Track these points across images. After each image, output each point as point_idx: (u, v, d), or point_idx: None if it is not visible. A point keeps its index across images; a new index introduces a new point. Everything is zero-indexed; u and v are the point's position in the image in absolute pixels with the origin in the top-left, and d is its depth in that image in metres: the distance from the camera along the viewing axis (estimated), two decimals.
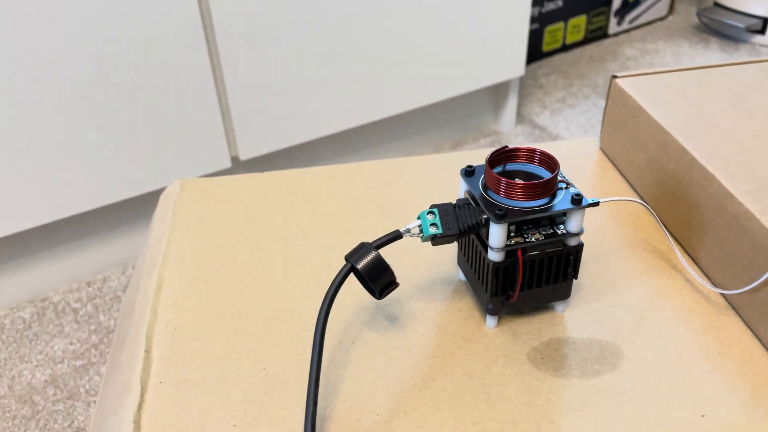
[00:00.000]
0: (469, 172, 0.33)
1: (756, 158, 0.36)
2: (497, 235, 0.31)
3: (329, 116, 0.93)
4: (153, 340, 0.35)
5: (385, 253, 0.39)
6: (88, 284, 0.83)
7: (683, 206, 0.38)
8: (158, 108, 0.80)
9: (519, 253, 0.32)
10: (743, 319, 0.34)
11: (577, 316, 0.35)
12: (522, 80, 1.26)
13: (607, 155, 0.48)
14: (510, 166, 0.33)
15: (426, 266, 0.39)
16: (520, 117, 1.17)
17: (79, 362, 0.70)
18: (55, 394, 0.67)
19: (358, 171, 0.47)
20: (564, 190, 0.32)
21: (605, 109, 0.47)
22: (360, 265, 0.30)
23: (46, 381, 0.68)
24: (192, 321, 0.35)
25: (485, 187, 0.32)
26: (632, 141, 0.43)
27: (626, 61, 1.34)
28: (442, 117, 1.11)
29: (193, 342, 0.34)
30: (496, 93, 1.14)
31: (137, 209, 0.89)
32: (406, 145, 1.09)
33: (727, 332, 0.34)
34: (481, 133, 1.14)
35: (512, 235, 0.32)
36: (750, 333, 0.34)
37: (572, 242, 0.32)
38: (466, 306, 0.36)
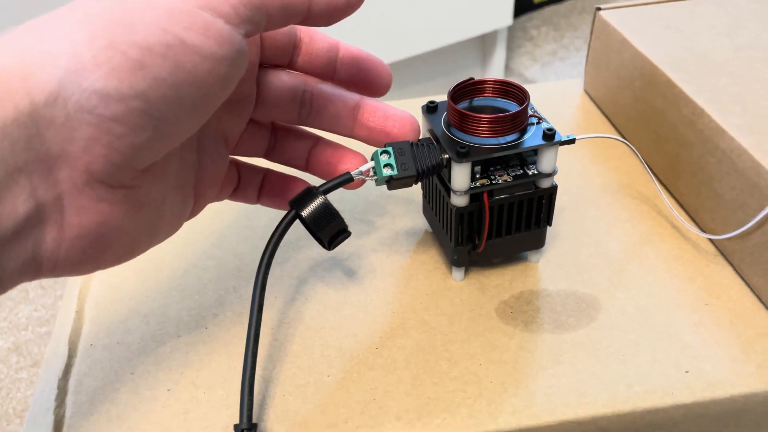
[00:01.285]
0: (431, 108, 0.30)
1: (749, 91, 0.33)
2: (459, 176, 0.28)
3: None
4: (86, 299, 0.31)
5: (346, 202, 0.36)
6: None
7: (671, 146, 0.35)
8: None
9: (485, 196, 0.28)
10: (734, 267, 0.31)
11: (552, 267, 0.32)
12: (511, 32, 1.21)
13: (591, 97, 0.44)
14: (477, 101, 0.30)
15: (390, 216, 0.35)
16: (509, 70, 1.12)
17: (43, 329, 0.68)
18: (18, 362, 0.64)
19: None
20: (535, 126, 0.28)
21: (589, 46, 0.43)
22: (305, 213, 0.26)
23: (9, 348, 0.66)
24: (129, 279, 0.32)
25: (448, 125, 0.29)
26: (617, 79, 0.40)
27: None
28: (428, 70, 1.06)
29: (129, 301, 0.31)
30: (483, 45, 1.10)
31: None
32: (389, 99, 1.05)
33: (715, 281, 0.31)
34: None
35: (477, 176, 0.28)
36: (741, 281, 0.31)
37: (544, 184, 0.29)
38: (432, 258, 0.33)
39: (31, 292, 0.73)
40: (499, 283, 0.31)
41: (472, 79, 0.29)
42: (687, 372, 0.27)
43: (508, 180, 0.28)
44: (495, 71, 1.10)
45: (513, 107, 0.29)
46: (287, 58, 0.27)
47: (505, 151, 0.27)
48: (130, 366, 0.28)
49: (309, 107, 0.28)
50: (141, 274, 0.33)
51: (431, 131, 0.29)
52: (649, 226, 0.34)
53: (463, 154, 0.27)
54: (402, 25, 0.92)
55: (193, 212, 0.27)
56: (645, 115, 0.37)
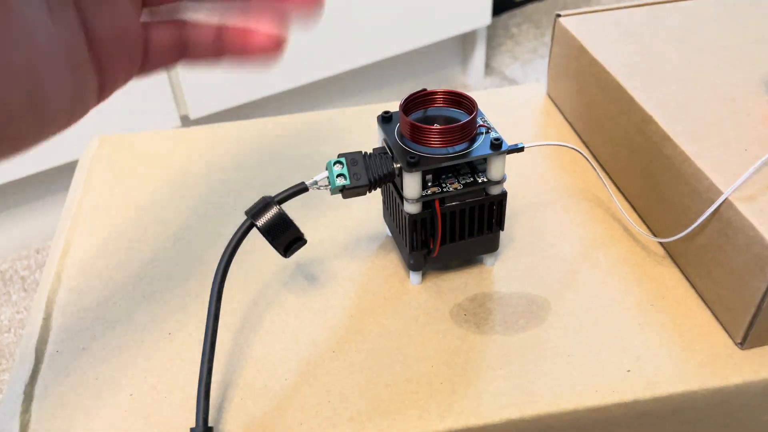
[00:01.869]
0: (386, 119, 0.31)
1: (696, 97, 0.34)
2: (411, 184, 0.29)
3: (284, 71, 0.89)
4: (54, 306, 0.32)
5: (308, 209, 0.37)
6: (37, 251, 0.80)
7: (623, 151, 0.36)
8: None
9: (436, 204, 0.29)
10: (680, 269, 0.32)
11: (506, 270, 0.33)
12: (492, 31, 1.22)
13: (553, 101, 0.45)
14: (431, 111, 0.31)
15: (352, 222, 0.36)
16: (490, 68, 1.13)
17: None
18: (0, 364, 0.65)
19: (291, 123, 0.44)
20: (484, 135, 0.29)
21: (550, 51, 0.44)
22: (259, 222, 0.27)
23: None
24: (97, 286, 0.33)
25: (401, 135, 0.30)
26: (576, 84, 0.41)
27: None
28: (408, 69, 1.07)
29: (96, 308, 0.32)
30: (464, 43, 1.11)
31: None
32: (370, 100, 1.05)
33: (662, 283, 0.32)
34: (449, 86, 1.10)
35: (429, 185, 0.29)
36: (687, 283, 0.32)
37: (495, 191, 0.30)
38: (391, 263, 0.34)
39: (13, 294, 0.74)
40: (455, 286, 0.32)
41: (424, 90, 0.30)
42: (629, 371, 0.28)
43: (459, 188, 0.29)
44: (475, 70, 1.11)
45: (464, 117, 0.30)
46: None
47: (453, 161, 0.28)
48: (95, 372, 0.29)
49: None
50: (108, 281, 0.33)
51: (385, 141, 0.30)
52: (602, 230, 0.35)
53: (413, 163, 0.28)
54: (381, 25, 0.93)
55: (102, 92, 0.23)
56: (600, 120, 0.38)
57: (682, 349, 0.29)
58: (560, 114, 0.44)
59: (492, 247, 0.32)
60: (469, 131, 0.29)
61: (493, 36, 1.21)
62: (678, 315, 0.30)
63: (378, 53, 0.95)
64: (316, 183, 0.28)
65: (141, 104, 0.80)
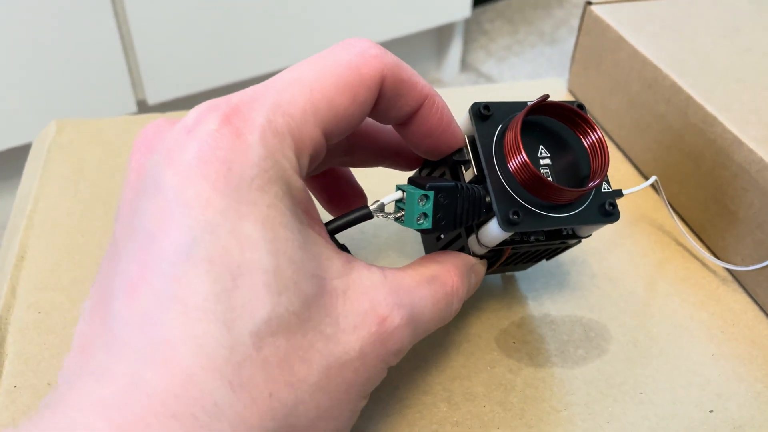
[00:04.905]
0: (484, 116, 0.22)
1: (762, 99, 0.31)
2: (495, 238, 0.22)
3: (248, 58, 0.83)
4: (8, 329, 0.26)
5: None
6: None
7: (673, 156, 0.32)
8: (48, 42, 0.68)
9: (507, 250, 0.24)
10: (746, 291, 0.29)
11: (552, 289, 0.29)
12: (466, 26, 1.19)
13: (576, 98, 0.41)
14: (535, 119, 0.22)
15: (383, 240, 0.31)
16: (464, 64, 1.10)
17: None
18: None
19: None
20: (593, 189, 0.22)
21: (576, 43, 0.40)
22: None
23: None
24: (61, 303, 0.27)
25: (501, 156, 0.21)
26: (609, 80, 0.37)
27: (572, 8, 1.28)
28: None
29: (62, 330, 0.26)
30: (440, 37, 1.07)
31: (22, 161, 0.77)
32: None
33: (728, 306, 0.28)
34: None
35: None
36: (755, 306, 0.28)
37: (572, 242, 0.24)
38: None
39: None
40: (498, 308, 0.28)
41: (546, 96, 0.21)
42: (711, 412, 0.24)
43: (540, 239, 0.23)
44: (451, 65, 1.07)
45: (574, 140, 0.23)
46: None
47: (559, 225, 0.22)
48: None
49: None
50: (75, 297, 0.27)
51: (472, 147, 0.22)
52: (651, 242, 0.31)
53: (513, 222, 0.21)
54: (356, 14, 0.88)
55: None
56: (643, 120, 0.34)
57: (764, 386, 0.25)
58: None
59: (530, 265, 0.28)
60: (587, 196, 0.22)
61: (466, 31, 1.18)
62: (752, 344, 0.27)
63: None
64: (382, 210, 0.21)
65: (95, 87, 0.72)
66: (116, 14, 0.71)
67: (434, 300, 0.20)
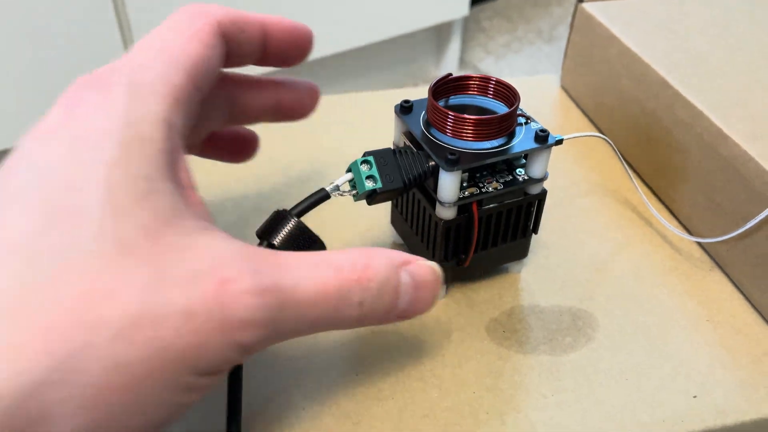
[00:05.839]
0: (405, 108, 0.26)
1: (749, 94, 0.31)
2: (449, 186, 0.24)
3: None
4: None
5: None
6: None
7: (662, 150, 0.33)
8: (48, 42, 0.69)
9: (474, 207, 0.25)
10: (732, 281, 0.30)
11: (541, 279, 0.29)
12: (464, 24, 1.19)
13: (569, 94, 0.42)
14: (455, 100, 0.27)
15: (353, 227, 0.32)
16: (463, 62, 1.10)
17: None
18: None
19: None
20: (524, 126, 0.26)
21: (568, 40, 0.41)
22: (278, 241, 0.22)
23: None
24: None
25: (428, 125, 0.26)
26: (601, 77, 0.38)
27: (570, 6, 1.29)
28: (381, 60, 1.03)
29: None
30: (438, 36, 1.07)
31: None
32: (340, 90, 1.01)
33: (714, 295, 0.29)
34: (422, 79, 1.07)
35: (465, 185, 0.25)
36: (741, 296, 0.29)
37: (534, 190, 0.26)
38: None
39: None
40: (488, 298, 0.28)
41: (450, 74, 0.26)
42: (695, 397, 0.25)
43: (499, 188, 0.26)
44: (449, 63, 1.08)
45: (495, 105, 0.26)
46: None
47: (496, 157, 0.24)
48: None
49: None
50: None
51: (407, 134, 0.26)
52: (640, 234, 0.32)
53: (453, 161, 0.24)
54: (355, 13, 0.88)
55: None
56: (633, 116, 0.35)
57: (748, 373, 0.26)
58: (577, 108, 0.41)
59: (522, 253, 0.29)
60: (511, 123, 0.25)
61: (465, 29, 1.18)
62: (737, 333, 0.27)
63: (351, 42, 0.91)
64: (338, 188, 0.24)
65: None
66: (117, 14, 0.71)
67: (318, 283, 0.18)
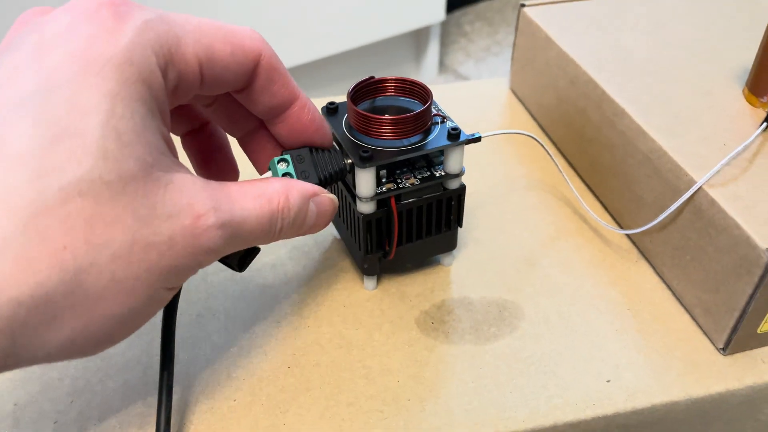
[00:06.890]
0: (331, 110, 0.28)
1: (670, 91, 0.33)
2: (365, 181, 0.26)
3: None
4: None
5: None
6: None
7: (594, 147, 0.34)
8: None
9: (392, 201, 0.27)
10: (656, 270, 0.31)
11: (472, 273, 0.31)
12: (445, 28, 1.21)
13: (517, 96, 0.43)
14: (380, 101, 0.28)
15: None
16: (443, 66, 1.12)
17: None
18: None
19: None
20: (439, 125, 0.27)
21: (514, 44, 0.42)
22: None
23: None
24: None
25: (350, 127, 0.27)
26: (542, 78, 0.39)
27: None
28: (361, 65, 1.04)
29: None
30: (417, 40, 1.09)
31: None
32: (319, 96, 1.02)
33: (638, 285, 0.30)
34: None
35: (384, 181, 0.27)
36: (663, 285, 0.30)
37: (453, 185, 0.28)
38: (349, 266, 0.31)
39: None
40: (420, 291, 0.30)
41: (372, 77, 0.28)
42: (608, 381, 0.26)
43: (415, 183, 0.27)
44: (429, 67, 1.09)
45: (416, 106, 0.27)
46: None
47: (409, 154, 0.26)
48: (12, 396, 0.25)
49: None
50: None
51: (332, 135, 0.28)
52: (572, 229, 0.33)
53: (366, 158, 0.25)
54: (333, 20, 0.90)
55: None
56: (569, 115, 0.36)
57: (661, 357, 0.27)
58: (525, 109, 0.42)
59: (450, 245, 0.30)
60: (424, 121, 0.26)
61: (446, 33, 1.20)
62: (656, 320, 0.29)
63: (330, 48, 0.92)
64: None
65: None
66: None
67: (257, 214, 0.21)
